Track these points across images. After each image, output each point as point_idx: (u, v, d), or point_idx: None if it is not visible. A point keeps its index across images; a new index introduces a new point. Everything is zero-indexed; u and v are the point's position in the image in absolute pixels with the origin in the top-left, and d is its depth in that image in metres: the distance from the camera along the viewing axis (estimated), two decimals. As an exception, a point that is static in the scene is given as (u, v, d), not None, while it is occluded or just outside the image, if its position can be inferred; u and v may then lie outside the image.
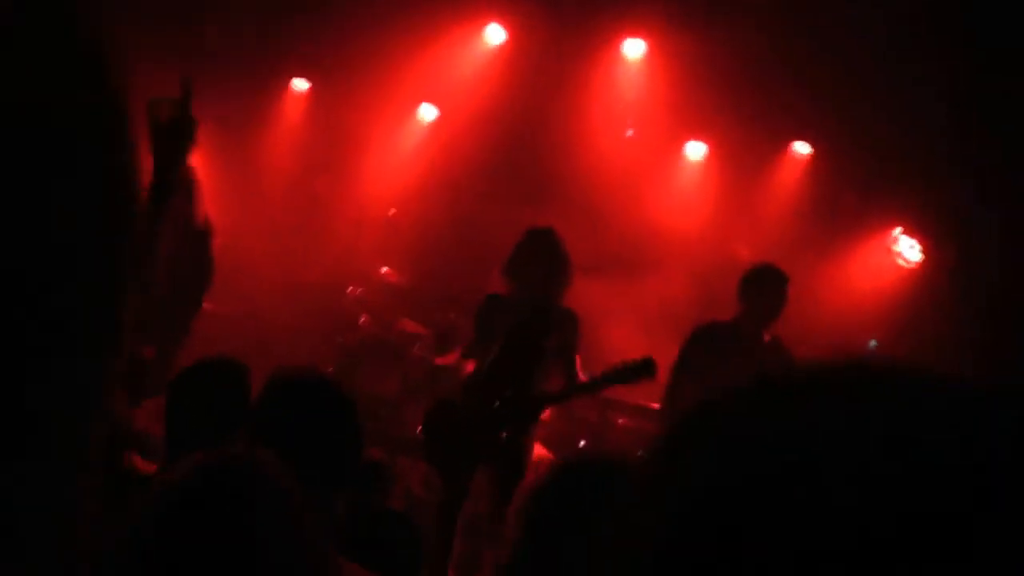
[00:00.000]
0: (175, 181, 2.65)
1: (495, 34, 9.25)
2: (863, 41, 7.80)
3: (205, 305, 8.07)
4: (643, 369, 5.25)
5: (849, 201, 8.35)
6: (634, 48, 8.95)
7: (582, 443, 7.43)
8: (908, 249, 8.05)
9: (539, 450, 6.50)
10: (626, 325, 7.58)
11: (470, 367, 5.71)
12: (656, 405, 6.59)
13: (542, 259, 5.66)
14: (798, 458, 0.56)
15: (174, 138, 2.67)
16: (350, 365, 8.40)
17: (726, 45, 8.35)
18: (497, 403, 5.48)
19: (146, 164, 2.08)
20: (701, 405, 0.65)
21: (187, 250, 6.14)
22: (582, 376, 5.57)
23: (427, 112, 9.78)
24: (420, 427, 7.52)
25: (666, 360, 7.19)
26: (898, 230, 8.19)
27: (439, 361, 8.21)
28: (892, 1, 7.41)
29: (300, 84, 9.88)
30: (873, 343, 8.56)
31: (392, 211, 9.05)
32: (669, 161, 9.20)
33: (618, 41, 8.96)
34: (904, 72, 7.78)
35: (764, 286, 5.77)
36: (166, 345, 6.01)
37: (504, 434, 5.47)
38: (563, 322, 5.66)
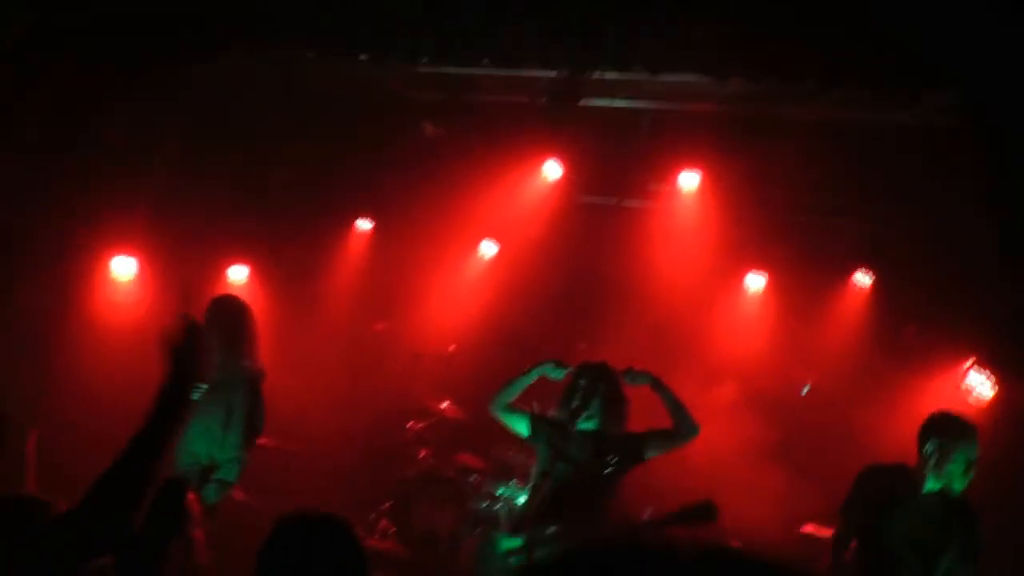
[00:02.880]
0: (187, 402, 2.72)
1: (552, 170, 9.40)
2: (916, 167, 7.78)
3: (266, 441, 8.17)
4: (704, 512, 5.15)
5: (913, 333, 8.18)
6: (689, 180, 8.99)
7: None
8: (980, 384, 7.76)
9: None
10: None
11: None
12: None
13: (603, 394, 5.69)
14: None
15: (185, 356, 2.73)
16: (408, 499, 8.40)
17: (780, 174, 8.39)
18: (550, 535, 5.42)
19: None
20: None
21: None
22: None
23: (488, 248, 9.92)
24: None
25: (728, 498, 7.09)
26: (969, 363, 7.93)
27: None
28: (945, 128, 7.38)
29: (364, 224, 10.13)
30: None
31: (452, 347, 9.12)
32: (729, 293, 9.14)
33: (674, 173, 9.02)
34: (965, 198, 7.69)
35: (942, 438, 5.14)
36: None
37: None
38: (626, 444, 5.65)
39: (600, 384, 5.73)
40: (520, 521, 5.80)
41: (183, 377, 2.71)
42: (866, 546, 5.25)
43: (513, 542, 5.61)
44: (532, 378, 5.77)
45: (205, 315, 6.01)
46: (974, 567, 4.98)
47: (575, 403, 5.65)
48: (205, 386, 5.80)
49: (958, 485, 5.05)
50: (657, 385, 5.85)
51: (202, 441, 5.75)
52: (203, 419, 5.72)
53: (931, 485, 5.07)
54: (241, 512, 6.47)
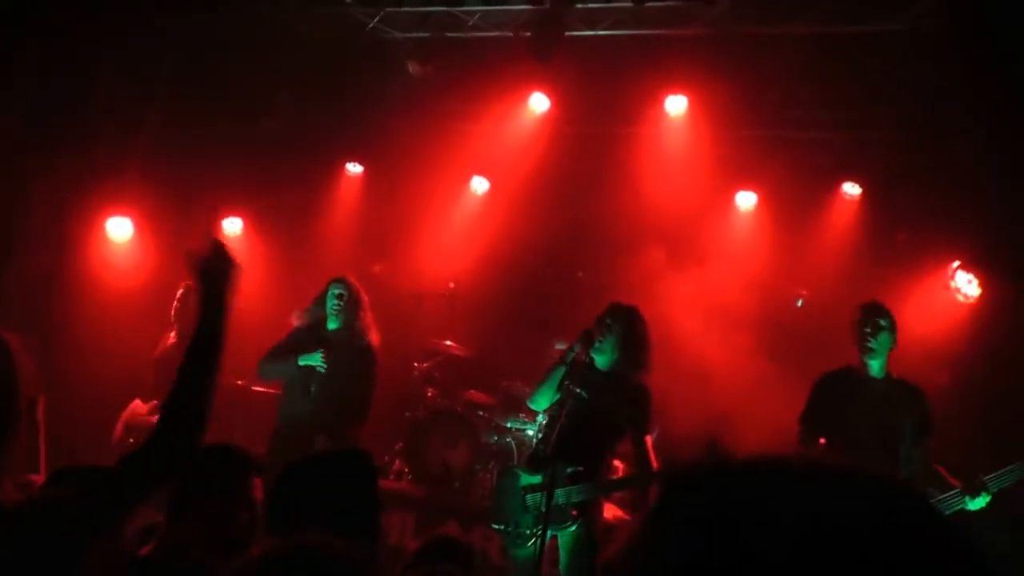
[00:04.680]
0: (226, 317, 2.68)
1: (539, 102, 9.42)
2: (905, 78, 7.86)
3: (264, 388, 8.34)
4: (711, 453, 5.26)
5: (903, 239, 8.33)
6: (676, 104, 9.04)
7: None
8: (966, 284, 7.97)
9: (614, 511, 6.54)
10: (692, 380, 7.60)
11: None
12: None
13: (620, 334, 5.76)
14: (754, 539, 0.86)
15: (217, 277, 2.71)
16: (421, 438, 8.51)
17: (766, 92, 8.45)
18: (570, 475, 5.51)
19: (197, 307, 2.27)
20: (674, 484, 0.97)
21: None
22: (651, 455, 5.62)
23: (479, 184, 9.98)
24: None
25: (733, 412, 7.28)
26: (955, 265, 8.12)
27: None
28: (934, 38, 7.44)
29: (354, 168, 10.15)
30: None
31: (451, 285, 9.20)
32: (721, 213, 9.24)
33: (661, 98, 9.06)
34: (950, 106, 7.79)
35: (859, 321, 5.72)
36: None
37: (574, 510, 5.50)
38: (636, 396, 5.72)
39: (620, 323, 5.78)
40: (537, 456, 5.87)
41: (216, 299, 2.67)
42: (832, 443, 5.53)
43: (532, 478, 5.71)
44: (560, 373, 5.77)
45: None
46: (928, 440, 5.57)
47: (587, 338, 5.69)
48: None
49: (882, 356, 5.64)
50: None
51: None
52: None
53: (876, 370, 5.66)
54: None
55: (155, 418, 2.67)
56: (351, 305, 7.10)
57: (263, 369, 7.20)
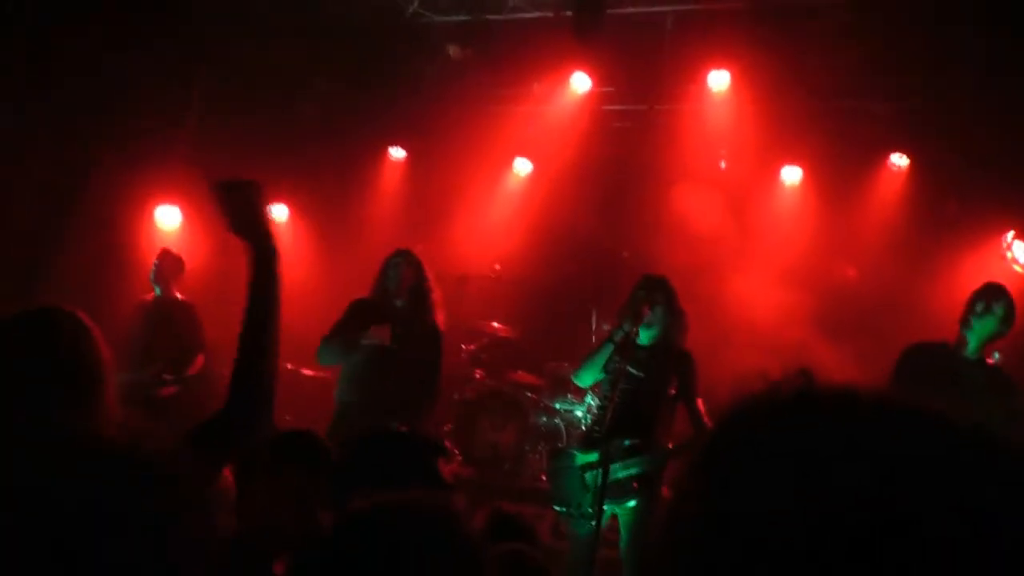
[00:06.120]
0: (275, 267, 2.50)
1: (581, 82, 9.38)
2: (950, 47, 7.72)
3: (314, 371, 8.38)
4: None
5: (954, 210, 8.20)
6: (719, 79, 8.96)
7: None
8: (1022, 253, 7.84)
9: (665, 492, 6.53)
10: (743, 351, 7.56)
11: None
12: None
13: (665, 306, 5.76)
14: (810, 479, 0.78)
15: (244, 196, 2.55)
16: (469, 419, 8.54)
17: (808, 63, 8.34)
18: (627, 448, 5.52)
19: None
20: (731, 422, 0.89)
21: None
22: (706, 418, 5.61)
23: (522, 166, 9.96)
24: (544, 475, 7.65)
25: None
26: (1010, 234, 7.99)
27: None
28: (979, 7, 7.31)
29: (397, 152, 10.18)
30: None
31: (496, 267, 9.20)
32: (767, 188, 9.16)
33: (703, 74, 8.99)
34: (996, 72, 7.65)
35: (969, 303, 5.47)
36: None
37: (635, 483, 5.50)
38: (681, 364, 5.72)
39: (658, 294, 5.78)
40: (592, 435, 5.89)
41: (261, 250, 2.51)
42: None
43: (588, 456, 5.72)
44: (608, 351, 5.79)
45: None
46: (1018, 427, 5.19)
47: (635, 314, 5.69)
48: None
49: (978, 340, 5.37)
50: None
51: None
52: None
53: (971, 350, 5.38)
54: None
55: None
56: (418, 280, 6.47)
57: (326, 349, 6.38)
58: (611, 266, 9.14)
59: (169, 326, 7.50)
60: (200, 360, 7.61)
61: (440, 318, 6.49)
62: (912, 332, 6.10)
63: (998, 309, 5.38)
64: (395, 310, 6.40)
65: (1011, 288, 7.71)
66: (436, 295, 6.52)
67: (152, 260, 7.81)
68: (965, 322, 5.39)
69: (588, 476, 5.65)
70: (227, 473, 3.14)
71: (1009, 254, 7.89)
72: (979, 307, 5.37)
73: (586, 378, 6.00)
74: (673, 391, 5.69)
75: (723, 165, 8.92)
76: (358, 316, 6.40)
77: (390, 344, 6.25)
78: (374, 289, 6.53)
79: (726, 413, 0.90)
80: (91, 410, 2.27)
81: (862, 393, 0.86)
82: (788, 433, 0.84)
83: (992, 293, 5.45)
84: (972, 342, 5.39)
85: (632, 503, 5.51)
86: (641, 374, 5.64)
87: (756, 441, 0.85)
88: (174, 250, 7.97)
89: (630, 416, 5.51)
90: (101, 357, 2.34)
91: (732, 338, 7.34)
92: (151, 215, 8.91)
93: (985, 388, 5.30)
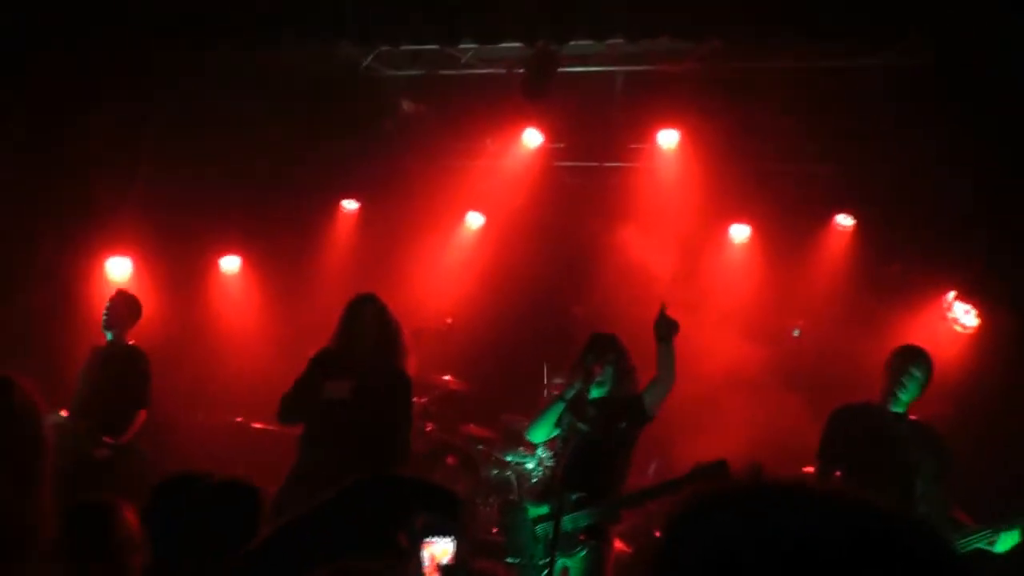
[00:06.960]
0: None
1: (533, 137, 9.50)
2: (890, 109, 7.93)
3: (264, 424, 8.29)
4: (718, 470, 5.32)
5: (898, 270, 8.38)
6: (668, 138, 9.12)
7: (658, 534, 7.43)
8: (964, 314, 8.02)
9: (617, 544, 6.56)
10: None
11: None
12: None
13: (616, 365, 5.86)
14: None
15: None
16: (420, 473, 8.49)
17: (757, 126, 8.53)
18: (575, 501, 5.58)
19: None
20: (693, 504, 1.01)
21: None
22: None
23: (474, 220, 10.03)
24: (496, 528, 7.64)
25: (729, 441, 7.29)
26: (951, 295, 8.17)
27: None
28: (919, 73, 7.53)
29: (350, 204, 10.21)
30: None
31: (448, 320, 9.23)
32: (716, 244, 9.30)
33: (652, 133, 9.15)
34: (938, 136, 7.86)
35: (895, 364, 5.66)
36: None
37: (583, 536, 5.56)
38: (629, 404, 5.81)
39: (609, 353, 5.89)
40: (544, 488, 6.00)
41: None
42: (848, 477, 5.54)
43: (540, 509, 5.80)
44: (559, 408, 5.89)
45: None
46: (946, 483, 5.51)
47: (587, 374, 5.79)
48: None
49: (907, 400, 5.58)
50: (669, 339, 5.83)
51: None
52: None
53: (896, 408, 5.57)
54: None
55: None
56: (383, 324, 6.09)
57: (285, 409, 6.06)
58: (561, 320, 9.21)
59: (116, 376, 7.28)
60: (142, 416, 7.34)
61: (411, 363, 6.14)
62: (858, 386, 6.22)
63: (919, 374, 5.57)
64: (359, 358, 6.02)
65: (951, 347, 7.94)
66: (405, 339, 6.16)
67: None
68: (891, 392, 5.57)
69: (540, 528, 5.74)
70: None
71: (950, 314, 8.06)
72: (902, 376, 5.55)
73: (539, 435, 6.09)
74: (624, 435, 5.78)
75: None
76: (318, 371, 6.04)
77: (351, 398, 5.91)
78: (335, 337, 6.14)
79: (666, 516, 1.04)
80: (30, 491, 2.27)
81: (778, 489, 0.99)
82: (710, 529, 0.98)
83: (911, 357, 5.63)
84: (899, 400, 5.57)
85: (582, 553, 5.57)
86: (591, 430, 5.72)
87: (684, 539, 1.00)
88: (129, 290, 7.78)
89: (580, 470, 5.62)
90: (41, 435, 2.33)
91: (681, 389, 7.40)
92: (102, 266, 8.83)
93: (912, 443, 5.52)
